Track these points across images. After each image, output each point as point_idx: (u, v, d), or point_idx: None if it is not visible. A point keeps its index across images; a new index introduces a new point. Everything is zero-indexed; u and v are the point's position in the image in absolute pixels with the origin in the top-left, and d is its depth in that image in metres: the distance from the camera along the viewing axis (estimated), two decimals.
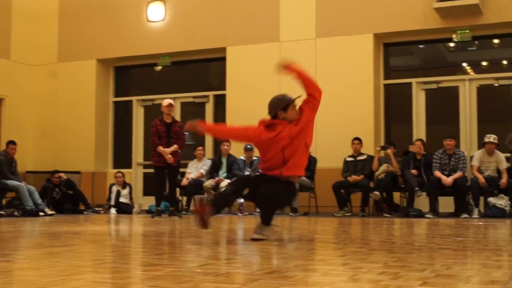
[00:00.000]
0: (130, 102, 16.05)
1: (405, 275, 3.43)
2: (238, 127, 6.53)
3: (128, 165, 15.61)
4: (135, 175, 15.54)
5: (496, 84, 13.16)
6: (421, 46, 14.26)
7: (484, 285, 3.13)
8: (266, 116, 13.75)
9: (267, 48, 13.94)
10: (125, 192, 13.41)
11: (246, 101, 13.99)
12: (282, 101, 6.20)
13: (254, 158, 12.91)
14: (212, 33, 14.54)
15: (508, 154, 11.60)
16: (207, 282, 3.31)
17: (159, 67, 15.95)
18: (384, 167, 11.83)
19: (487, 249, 5.04)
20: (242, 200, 12.26)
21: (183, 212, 12.30)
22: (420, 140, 12.12)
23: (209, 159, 13.69)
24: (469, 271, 3.75)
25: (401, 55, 14.54)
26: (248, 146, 12.78)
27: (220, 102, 15.01)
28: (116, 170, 14.26)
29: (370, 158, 12.13)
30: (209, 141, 15.01)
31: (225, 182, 12.60)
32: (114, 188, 13.36)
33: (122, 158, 15.89)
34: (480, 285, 3.14)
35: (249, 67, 14.12)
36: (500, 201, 10.91)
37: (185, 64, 15.93)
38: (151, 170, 11.89)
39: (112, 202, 13.19)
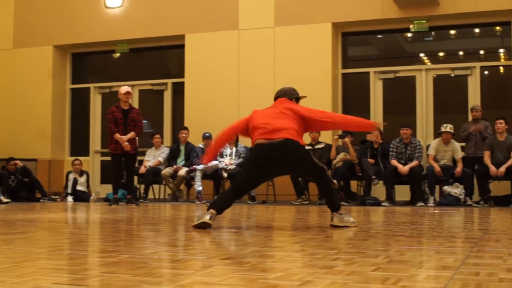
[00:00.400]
0: (88, 89, 15.89)
1: (359, 261, 3.46)
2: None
3: (86, 153, 15.47)
4: (93, 162, 15.41)
5: (452, 75, 13.33)
6: (379, 36, 14.36)
7: (436, 270, 3.18)
8: (224, 102, 13.71)
9: (226, 36, 13.93)
10: (82, 180, 13.29)
11: (205, 88, 13.97)
12: (296, 92, 6.48)
13: None
14: (171, 20, 14.46)
15: (463, 144, 11.77)
16: (162, 268, 3.31)
17: (117, 54, 15.82)
18: (341, 155, 11.91)
19: (441, 236, 5.11)
20: (200, 188, 12.26)
21: (141, 200, 12.25)
22: (377, 129, 12.21)
23: (167, 147, 13.64)
24: (422, 257, 3.80)
25: (359, 45, 14.64)
26: (207, 134, 12.75)
27: (178, 90, 14.95)
28: (73, 158, 14.11)
29: (328, 147, 12.20)
30: (167, 129, 14.96)
31: (183, 170, 12.58)
32: (71, 176, 13.23)
33: (79, 146, 15.73)
34: (432, 270, 3.18)
35: (208, 54, 14.09)
36: (455, 190, 11.07)
37: (143, 51, 15.82)
38: (109, 158, 11.79)
39: (69, 190, 13.06)
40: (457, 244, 4.57)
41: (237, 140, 12.74)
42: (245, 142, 12.78)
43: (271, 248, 4.27)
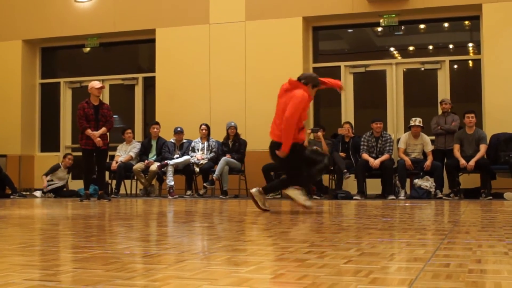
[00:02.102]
0: (58, 84, 15.76)
1: (331, 254, 3.48)
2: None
3: (56, 148, 15.35)
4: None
5: (422, 69, 13.43)
6: (349, 30, 14.42)
7: (407, 262, 3.21)
8: (195, 97, 13.65)
9: (197, 30, 13.89)
10: (68, 175, 13.39)
11: (176, 83, 13.93)
12: (318, 80, 7.86)
13: (184, 140, 12.88)
14: (141, 15, 14.39)
15: (433, 137, 11.87)
16: (134, 263, 3.30)
17: (87, 49, 15.70)
18: None
19: (412, 229, 5.15)
20: (172, 183, 12.24)
21: (112, 196, 12.20)
22: (348, 123, 12.29)
23: (138, 142, 13.58)
24: (393, 249, 3.83)
25: (329, 39, 14.68)
26: (178, 129, 12.72)
27: (149, 85, 14.88)
28: (41, 153, 13.98)
29: None
30: (138, 123, 14.88)
31: (155, 165, 12.53)
32: (62, 172, 13.24)
33: (49, 141, 15.61)
34: (403, 262, 3.21)
35: (179, 49, 14.05)
36: (426, 183, 11.17)
37: (113, 46, 15.71)
38: (80, 153, 11.69)
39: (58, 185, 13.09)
40: (427, 236, 4.61)
41: (208, 135, 12.73)
42: (217, 136, 12.78)
43: (243, 242, 4.28)
